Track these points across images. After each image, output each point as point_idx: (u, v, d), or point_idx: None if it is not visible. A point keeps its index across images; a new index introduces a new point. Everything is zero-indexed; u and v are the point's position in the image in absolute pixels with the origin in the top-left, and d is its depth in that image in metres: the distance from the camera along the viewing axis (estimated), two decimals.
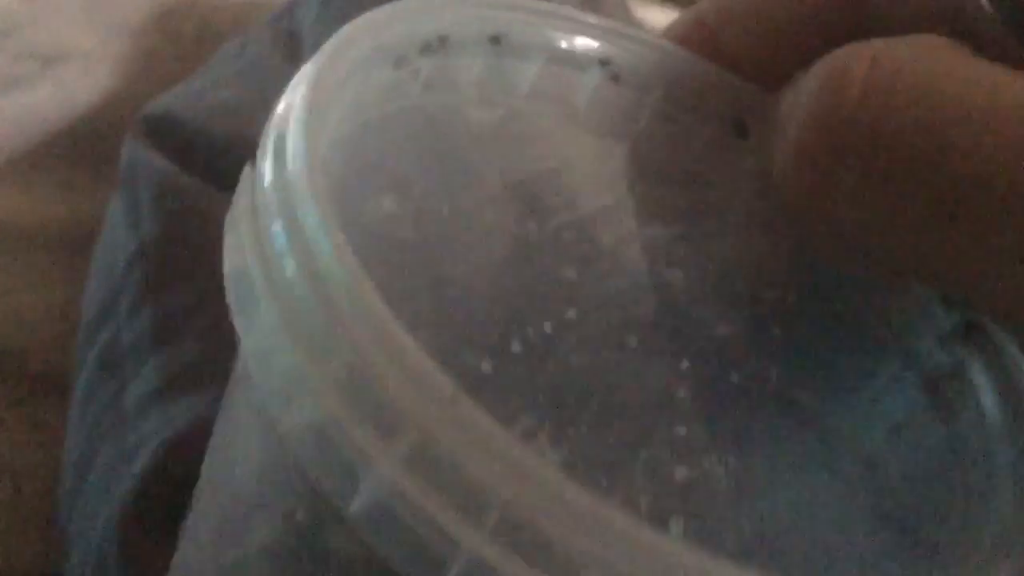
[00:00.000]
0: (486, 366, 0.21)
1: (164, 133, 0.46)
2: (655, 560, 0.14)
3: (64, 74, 0.56)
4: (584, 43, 0.26)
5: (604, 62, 0.26)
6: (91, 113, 0.58)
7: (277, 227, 0.17)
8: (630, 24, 0.26)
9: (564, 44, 0.26)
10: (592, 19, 0.26)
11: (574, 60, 0.26)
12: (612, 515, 0.14)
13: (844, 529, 0.21)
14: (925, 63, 0.17)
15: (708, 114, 0.26)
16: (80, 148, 0.57)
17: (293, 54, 0.45)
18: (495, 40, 0.25)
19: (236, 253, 0.17)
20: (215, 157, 0.44)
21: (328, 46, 0.21)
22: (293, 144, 0.18)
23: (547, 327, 0.22)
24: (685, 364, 0.22)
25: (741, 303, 0.24)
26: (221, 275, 0.18)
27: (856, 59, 0.17)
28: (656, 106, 0.27)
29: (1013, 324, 0.17)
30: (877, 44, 0.18)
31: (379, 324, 0.15)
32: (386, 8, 0.23)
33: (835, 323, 0.24)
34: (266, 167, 0.18)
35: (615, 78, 0.26)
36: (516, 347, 0.22)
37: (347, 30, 0.22)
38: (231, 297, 0.17)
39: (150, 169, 0.42)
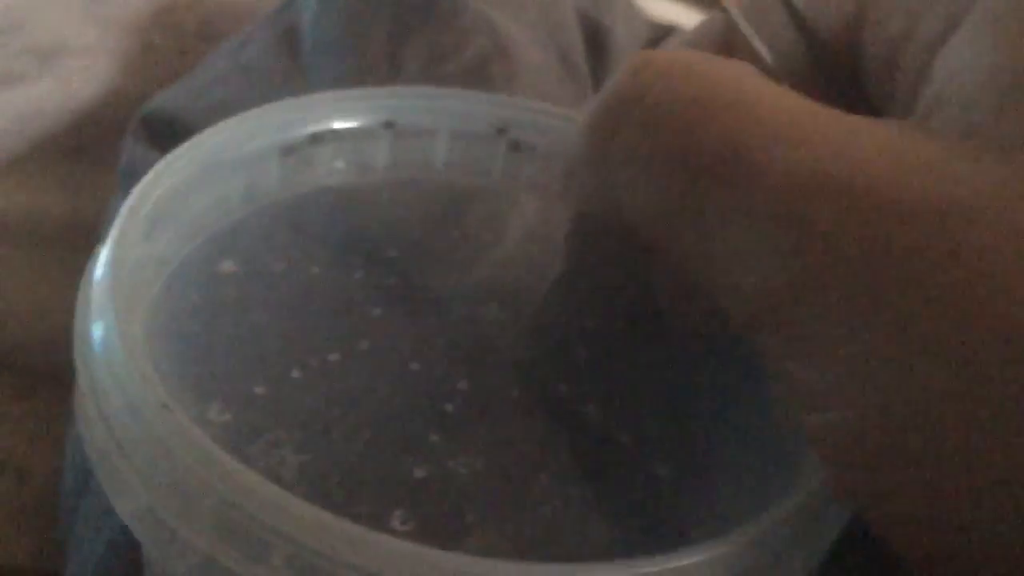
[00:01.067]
0: (260, 390, 0.23)
1: (163, 133, 0.46)
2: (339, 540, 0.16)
3: (64, 69, 0.56)
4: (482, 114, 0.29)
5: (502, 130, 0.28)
6: (92, 108, 0.58)
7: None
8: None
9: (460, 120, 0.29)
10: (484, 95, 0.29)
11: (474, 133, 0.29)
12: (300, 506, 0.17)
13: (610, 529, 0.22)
14: (714, 63, 0.19)
15: None
16: (80, 143, 0.57)
17: (293, 50, 0.45)
18: (389, 125, 0.28)
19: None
20: None
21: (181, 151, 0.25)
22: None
23: (332, 356, 0.24)
24: (463, 384, 0.24)
25: (555, 330, 0.26)
26: None
27: (658, 55, 0.19)
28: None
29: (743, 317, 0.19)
30: (685, 52, 0.21)
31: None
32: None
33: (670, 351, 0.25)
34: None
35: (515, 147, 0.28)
36: (295, 373, 0.24)
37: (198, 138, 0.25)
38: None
39: (149, 168, 0.42)
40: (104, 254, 0.22)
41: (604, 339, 0.26)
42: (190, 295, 0.25)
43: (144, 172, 0.24)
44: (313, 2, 0.47)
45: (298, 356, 0.24)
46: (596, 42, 0.50)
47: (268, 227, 0.27)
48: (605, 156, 0.20)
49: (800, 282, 0.17)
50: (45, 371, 0.51)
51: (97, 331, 0.20)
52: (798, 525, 0.19)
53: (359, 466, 0.22)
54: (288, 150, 0.27)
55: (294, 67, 0.46)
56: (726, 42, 0.23)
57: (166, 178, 0.24)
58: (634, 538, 0.22)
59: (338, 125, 0.28)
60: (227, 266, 0.25)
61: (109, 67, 0.58)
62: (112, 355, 0.19)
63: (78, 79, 0.56)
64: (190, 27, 0.58)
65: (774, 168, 0.17)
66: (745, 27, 0.22)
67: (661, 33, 0.59)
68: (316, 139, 0.27)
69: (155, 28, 0.59)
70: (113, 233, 0.22)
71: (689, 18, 0.68)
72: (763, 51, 0.21)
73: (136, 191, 0.23)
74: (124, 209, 0.23)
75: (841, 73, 0.21)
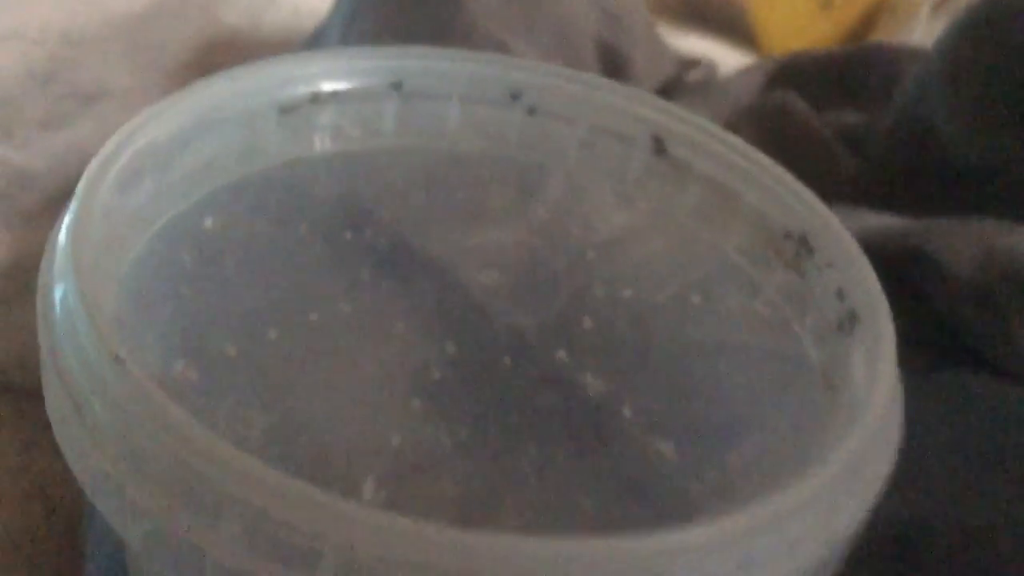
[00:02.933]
0: (231, 349, 0.21)
1: None
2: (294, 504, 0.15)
3: (104, 112, 0.58)
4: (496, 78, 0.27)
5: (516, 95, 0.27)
6: None
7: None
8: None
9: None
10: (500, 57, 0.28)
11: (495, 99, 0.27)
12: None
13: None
14: None
15: (628, 138, 0.28)
16: None
17: None
18: (396, 86, 0.26)
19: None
20: None
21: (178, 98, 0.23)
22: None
23: (312, 316, 0.23)
24: (451, 348, 0.23)
25: (556, 298, 0.25)
26: None
27: None
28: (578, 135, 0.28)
29: None
30: None
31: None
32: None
33: (704, 329, 0.24)
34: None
35: (531, 111, 0.27)
36: (272, 333, 0.22)
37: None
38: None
39: None
40: (71, 206, 0.20)
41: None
42: (173, 256, 0.23)
43: None
44: (336, 32, 0.48)
45: (276, 316, 0.22)
46: (614, 68, 0.50)
47: (261, 188, 0.25)
48: None
49: None
50: None
51: (58, 288, 0.19)
52: (812, 513, 0.17)
53: (331, 430, 0.21)
54: (288, 108, 0.25)
55: None
56: None
57: (149, 129, 0.22)
58: (631, 516, 0.21)
59: (342, 85, 0.26)
60: (210, 223, 0.24)
61: None
62: (69, 309, 0.18)
63: (118, 122, 0.58)
64: (225, 69, 0.60)
65: None
66: None
67: (687, 66, 0.59)
68: (318, 98, 0.25)
69: (192, 71, 0.60)
70: (81, 185, 0.20)
71: (718, 53, 0.68)
72: None
73: (112, 140, 0.22)
74: (95, 160, 0.21)
75: None
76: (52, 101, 0.58)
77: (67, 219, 0.20)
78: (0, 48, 0.58)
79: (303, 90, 0.25)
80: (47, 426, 0.54)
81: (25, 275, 0.53)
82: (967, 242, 0.33)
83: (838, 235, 0.26)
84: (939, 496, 0.28)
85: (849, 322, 0.23)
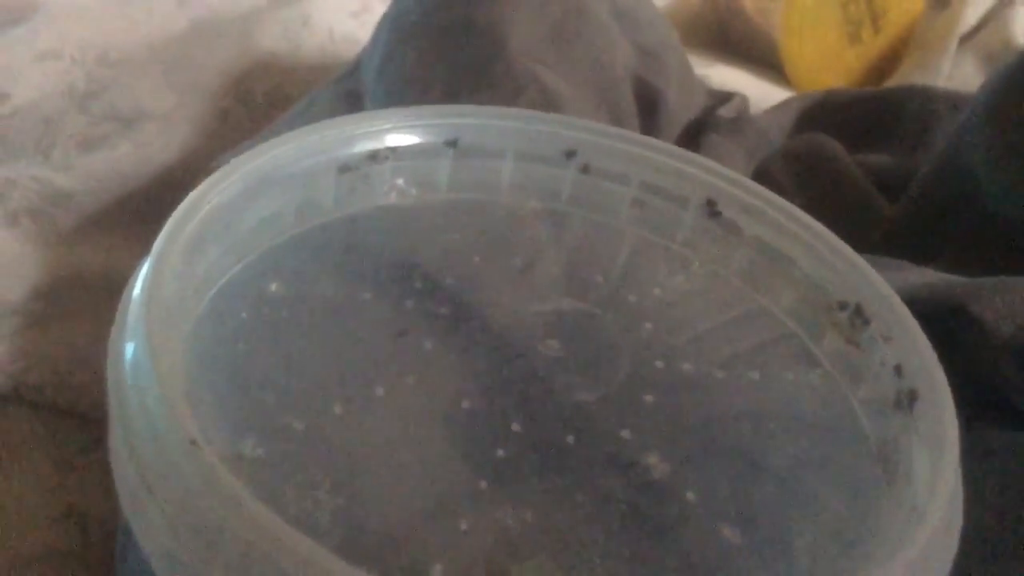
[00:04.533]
0: (298, 425, 0.21)
1: None
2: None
3: (143, 134, 0.58)
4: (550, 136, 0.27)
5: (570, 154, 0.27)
6: (168, 171, 0.60)
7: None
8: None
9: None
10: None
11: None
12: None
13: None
14: None
15: (681, 198, 0.28)
16: (156, 204, 0.59)
17: (354, 110, 0.47)
18: (451, 144, 0.26)
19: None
20: None
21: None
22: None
23: (378, 391, 0.22)
24: (517, 427, 0.22)
25: (617, 372, 0.24)
26: None
27: None
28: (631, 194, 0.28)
29: None
30: None
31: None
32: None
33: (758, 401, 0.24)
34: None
35: (584, 169, 0.27)
36: (337, 408, 0.22)
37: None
38: None
39: None
40: (143, 270, 0.20)
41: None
42: (235, 317, 0.23)
43: None
44: (374, 68, 0.49)
45: (341, 389, 0.22)
46: (648, 103, 0.51)
47: (320, 247, 0.25)
48: None
49: None
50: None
51: (129, 353, 0.19)
52: None
53: (399, 514, 0.20)
54: (345, 167, 0.25)
55: None
56: None
57: (215, 192, 0.22)
58: None
59: (398, 142, 0.26)
60: (274, 287, 0.24)
61: (185, 132, 0.61)
62: (142, 381, 0.18)
63: (156, 144, 0.59)
64: (261, 94, 0.61)
65: None
66: None
67: (721, 99, 0.60)
68: (375, 157, 0.26)
69: (229, 95, 0.61)
70: (155, 248, 0.21)
71: (750, 85, 0.68)
72: None
73: (183, 205, 0.22)
74: (168, 223, 0.21)
75: None
76: (90, 121, 0.59)
77: (139, 284, 0.20)
78: (39, 67, 0.59)
79: (361, 148, 0.25)
80: (82, 447, 0.55)
81: (62, 295, 0.54)
82: (1012, 301, 0.33)
83: (895, 307, 0.26)
84: (984, 560, 0.28)
85: (909, 400, 0.23)
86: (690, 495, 0.22)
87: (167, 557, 0.17)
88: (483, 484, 0.21)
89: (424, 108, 0.27)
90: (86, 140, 0.58)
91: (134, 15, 0.61)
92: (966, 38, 0.74)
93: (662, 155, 0.30)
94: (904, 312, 0.26)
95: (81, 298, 0.55)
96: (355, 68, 0.52)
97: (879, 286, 0.27)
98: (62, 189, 0.57)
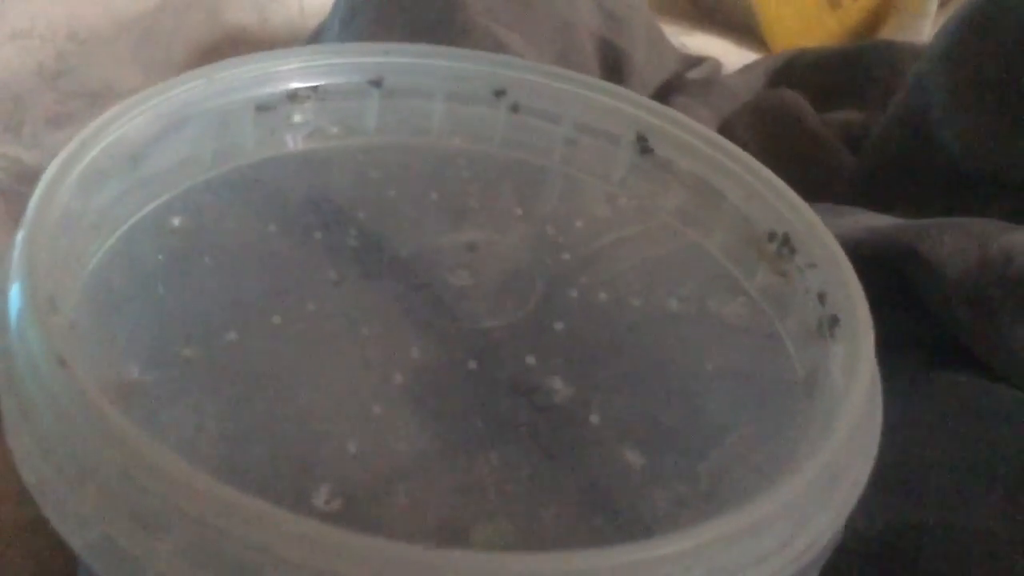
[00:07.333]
0: (188, 352, 0.21)
1: None
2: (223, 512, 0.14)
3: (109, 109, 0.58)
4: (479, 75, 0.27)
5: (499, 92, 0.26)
6: None
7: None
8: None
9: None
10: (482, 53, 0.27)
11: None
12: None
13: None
14: None
15: (612, 136, 0.27)
16: None
17: None
18: (377, 83, 0.25)
19: None
20: None
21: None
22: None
23: (275, 319, 0.22)
24: (416, 352, 0.22)
25: (528, 301, 0.24)
26: None
27: None
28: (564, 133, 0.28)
29: None
30: None
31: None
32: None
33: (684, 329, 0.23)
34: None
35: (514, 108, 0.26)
36: (231, 335, 0.21)
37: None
38: None
39: None
40: (28, 207, 0.20)
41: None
42: (137, 252, 0.22)
43: None
44: (334, 33, 0.49)
45: (236, 317, 0.21)
46: (614, 65, 0.50)
47: (234, 185, 0.24)
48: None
49: None
50: None
51: (12, 291, 0.18)
52: (782, 524, 0.17)
53: (286, 438, 0.20)
54: (264, 106, 0.24)
55: None
56: None
57: (117, 124, 0.21)
58: (594, 528, 0.20)
59: (319, 81, 0.25)
60: (177, 222, 0.23)
61: None
62: (22, 312, 0.17)
63: None
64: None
65: None
66: None
67: (692, 63, 0.59)
68: (295, 96, 0.25)
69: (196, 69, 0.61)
70: (41, 184, 0.20)
71: (728, 52, 0.68)
72: None
73: (76, 139, 0.21)
74: (57, 158, 0.20)
75: None
76: (60, 99, 0.59)
77: (24, 220, 0.19)
78: (8, 45, 0.59)
79: (280, 88, 0.25)
80: None
81: None
82: (960, 242, 0.33)
83: (820, 235, 0.25)
84: (933, 499, 0.28)
85: (830, 325, 0.23)
86: (594, 418, 0.21)
87: (44, 483, 0.16)
88: (376, 409, 0.21)
89: (346, 45, 0.27)
90: (55, 117, 0.58)
91: None
92: (946, 1, 0.73)
93: (594, 92, 0.29)
94: (829, 239, 0.25)
95: None
96: (314, 37, 0.52)
97: (805, 213, 0.26)
98: (32, 166, 0.57)
